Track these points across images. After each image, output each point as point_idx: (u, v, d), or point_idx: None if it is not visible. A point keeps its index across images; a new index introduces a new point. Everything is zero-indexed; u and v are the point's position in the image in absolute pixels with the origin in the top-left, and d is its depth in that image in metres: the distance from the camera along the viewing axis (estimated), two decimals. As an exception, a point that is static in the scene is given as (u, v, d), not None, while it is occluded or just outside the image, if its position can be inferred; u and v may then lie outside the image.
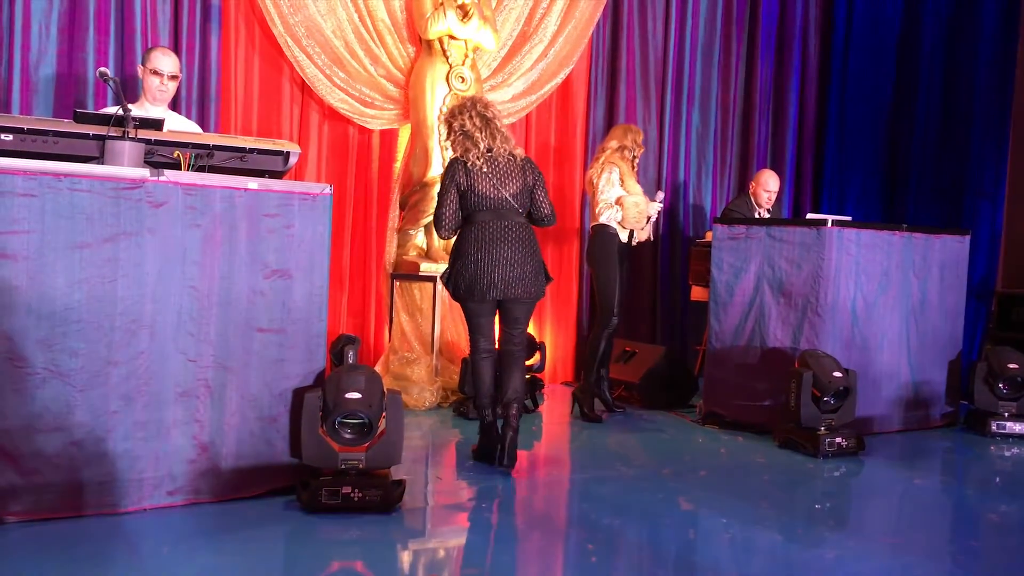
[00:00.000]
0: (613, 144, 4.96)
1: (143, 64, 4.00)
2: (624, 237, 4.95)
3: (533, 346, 5.20)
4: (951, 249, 5.05)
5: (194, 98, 4.97)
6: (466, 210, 3.74)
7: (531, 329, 5.91)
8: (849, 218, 4.83)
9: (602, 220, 4.89)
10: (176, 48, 4.92)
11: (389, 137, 5.62)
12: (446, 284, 3.81)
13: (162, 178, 2.89)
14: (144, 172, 2.88)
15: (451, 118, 3.83)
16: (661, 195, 5.16)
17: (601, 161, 4.95)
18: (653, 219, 5.08)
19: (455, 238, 3.84)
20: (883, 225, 4.84)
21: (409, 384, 4.94)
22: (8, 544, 2.62)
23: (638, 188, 4.93)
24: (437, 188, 5.20)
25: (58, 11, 4.68)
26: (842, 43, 7.04)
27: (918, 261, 4.87)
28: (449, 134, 3.85)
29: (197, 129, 4.06)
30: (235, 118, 5.14)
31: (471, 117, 3.79)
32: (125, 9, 4.78)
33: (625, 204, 4.82)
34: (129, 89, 4.76)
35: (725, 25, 6.79)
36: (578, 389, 5.01)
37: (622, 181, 4.87)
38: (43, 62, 4.67)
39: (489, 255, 3.67)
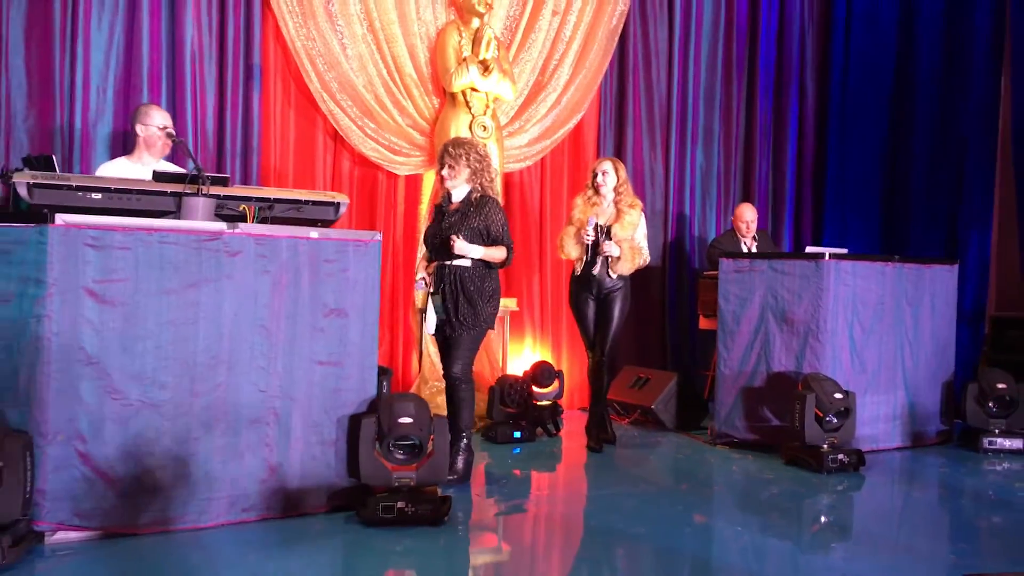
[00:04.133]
0: None
1: (142, 122, 4.19)
2: (577, 270, 5.00)
3: (552, 374, 5.56)
4: (941, 278, 5.43)
5: (238, 150, 5.38)
6: None
7: (549, 357, 6.30)
8: (846, 251, 5.20)
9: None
10: (221, 104, 5.35)
11: (414, 181, 6.03)
12: (486, 315, 4.15)
13: (237, 230, 3.28)
14: (222, 225, 3.27)
15: (486, 155, 4.24)
16: (588, 227, 4.88)
17: None
18: (609, 254, 4.88)
19: (488, 272, 4.19)
20: (877, 257, 5.23)
21: (440, 412, 5.29)
22: (108, 555, 2.98)
23: (579, 217, 4.99)
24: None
25: (114, 73, 5.09)
26: (839, 85, 7.45)
27: (910, 290, 5.25)
28: (489, 169, 4.22)
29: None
30: (274, 167, 5.56)
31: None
32: (176, 70, 5.20)
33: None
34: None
35: (725, 69, 7.22)
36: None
37: (570, 215, 5.10)
38: (100, 120, 5.08)
39: None
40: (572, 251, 4.98)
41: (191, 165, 3.61)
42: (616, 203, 5.01)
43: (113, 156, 5.06)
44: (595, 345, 5.07)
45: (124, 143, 5.09)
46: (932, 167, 6.91)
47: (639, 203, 5.11)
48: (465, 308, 4.11)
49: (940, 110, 6.89)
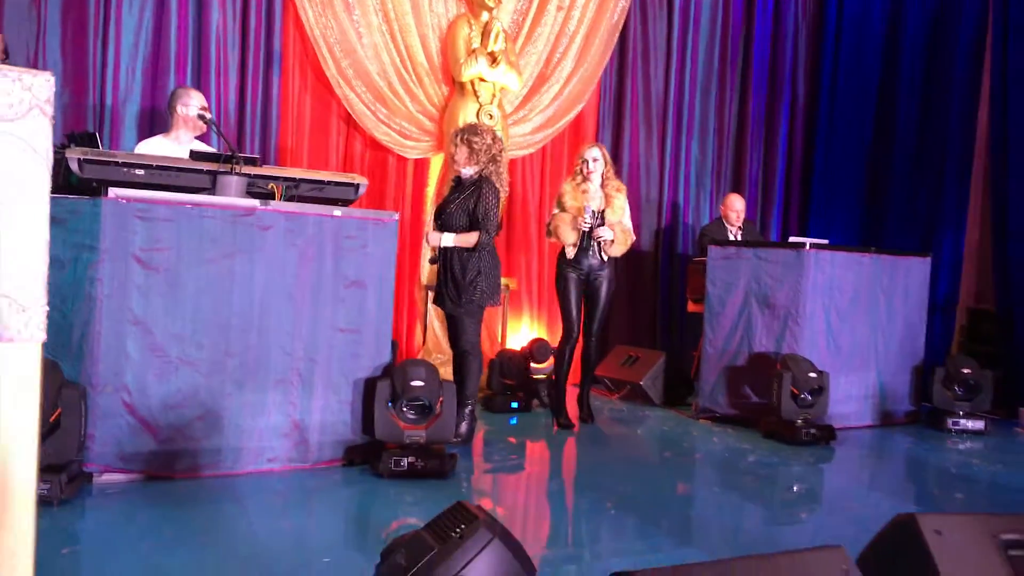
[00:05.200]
0: None
1: (183, 103, 4.40)
2: (570, 254, 5.07)
3: (548, 350, 5.91)
4: (914, 269, 5.80)
5: (257, 130, 5.71)
6: None
7: (546, 335, 6.65)
8: (826, 241, 5.55)
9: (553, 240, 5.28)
10: (243, 87, 5.67)
11: (422, 165, 6.36)
12: (469, 295, 4.35)
13: (269, 207, 3.61)
14: (255, 202, 3.60)
15: (494, 141, 4.46)
16: (585, 214, 5.01)
17: None
18: (603, 238, 5.00)
19: (473, 253, 4.37)
20: (854, 248, 5.59)
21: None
22: (149, 495, 3.33)
23: (571, 203, 5.05)
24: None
25: (143, 55, 5.41)
26: (828, 85, 7.78)
27: (885, 279, 5.61)
28: (488, 151, 4.40)
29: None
30: (290, 148, 5.88)
31: (502, 151, 4.53)
32: (201, 53, 5.51)
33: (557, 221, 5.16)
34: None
35: (721, 66, 7.54)
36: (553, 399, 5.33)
37: (561, 201, 5.15)
38: (129, 99, 5.39)
39: None
40: (568, 237, 5.03)
41: (218, 144, 3.92)
42: (604, 188, 5.09)
43: (140, 134, 5.38)
44: (578, 325, 5.12)
45: (151, 121, 5.40)
46: (913, 167, 7.25)
47: (624, 186, 5.20)
48: (450, 285, 4.39)
49: (922, 114, 7.23)
